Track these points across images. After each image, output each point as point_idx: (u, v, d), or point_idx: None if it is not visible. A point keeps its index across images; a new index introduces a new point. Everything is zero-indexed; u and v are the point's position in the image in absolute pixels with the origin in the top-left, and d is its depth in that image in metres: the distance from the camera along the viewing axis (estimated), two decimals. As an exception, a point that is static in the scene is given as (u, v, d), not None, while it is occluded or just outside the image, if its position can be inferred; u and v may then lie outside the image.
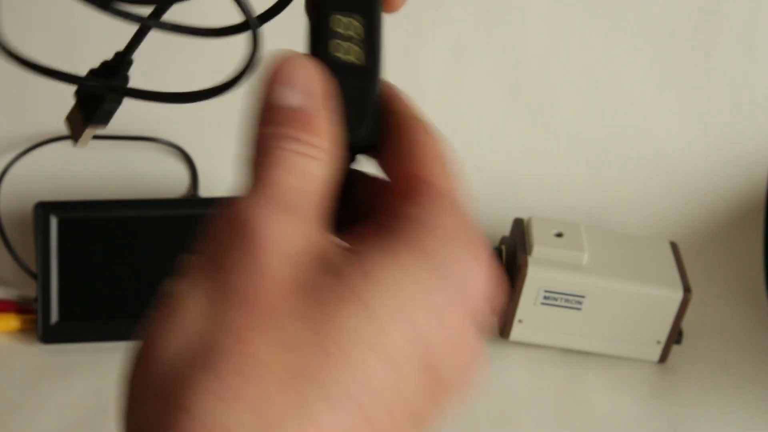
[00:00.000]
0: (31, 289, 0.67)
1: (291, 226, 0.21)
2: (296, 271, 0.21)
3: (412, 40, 0.76)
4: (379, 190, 0.26)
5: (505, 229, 0.70)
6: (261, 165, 0.23)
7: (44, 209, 0.66)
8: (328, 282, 0.21)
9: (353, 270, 0.21)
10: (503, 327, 0.67)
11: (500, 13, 0.76)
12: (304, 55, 0.26)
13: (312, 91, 0.24)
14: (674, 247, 0.69)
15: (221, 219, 0.22)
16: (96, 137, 0.39)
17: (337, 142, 0.24)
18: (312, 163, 0.23)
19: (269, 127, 0.24)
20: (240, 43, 0.81)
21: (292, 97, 0.24)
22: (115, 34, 0.75)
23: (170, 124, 0.77)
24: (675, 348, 0.68)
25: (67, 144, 0.74)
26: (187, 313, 0.20)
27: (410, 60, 0.77)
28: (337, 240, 0.23)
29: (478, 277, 0.23)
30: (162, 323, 0.21)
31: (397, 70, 0.86)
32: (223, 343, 0.19)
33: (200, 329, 0.20)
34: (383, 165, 0.26)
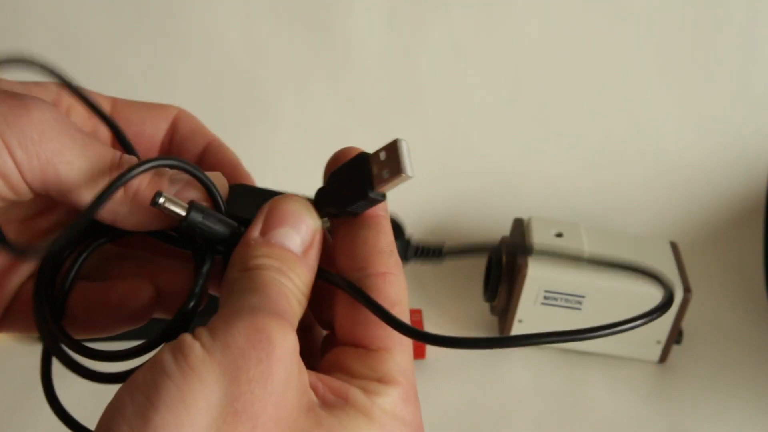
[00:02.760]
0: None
1: (297, 351, 0.24)
2: (295, 404, 0.24)
3: (412, 40, 0.76)
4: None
5: (505, 229, 0.70)
6: (268, 291, 0.25)
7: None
8: None
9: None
10: (503, 327, 0.67)
11: (500, 13, 0.76)
12: (307, 200, 0.28)
13: (311, 241, 0.27)
14: (674, 247, 0.69)
15: (245, 327, 0.23)
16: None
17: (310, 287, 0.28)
18: (299, 305, 0.26)
19: (270, 260, 0.26)
20: (236, 47, 0.81)
21: (294, 240, 0.27)
22: (114, 34, 0.75)
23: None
24: (675, 348, 0.68)
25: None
26: (198, 421, 0.22)
27: (410, 60, 0.77)
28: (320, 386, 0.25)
29: None
30: (172, 420, 0.21)
31: (397, 70, 0.86)
32: None
33: None
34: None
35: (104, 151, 0.28)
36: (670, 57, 0.78)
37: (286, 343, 0.23)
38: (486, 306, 0.71)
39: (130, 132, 0.32)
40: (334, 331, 0.28)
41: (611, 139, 0.80)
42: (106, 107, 0.32)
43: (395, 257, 0.27)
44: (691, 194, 0.80)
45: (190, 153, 0.33)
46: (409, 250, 0.34)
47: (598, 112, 0.80)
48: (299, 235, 0.27)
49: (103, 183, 0.27)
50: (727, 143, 0.80)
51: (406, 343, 0.27)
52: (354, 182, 0.28)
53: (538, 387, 0.65)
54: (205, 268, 0.28)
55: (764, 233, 0.79)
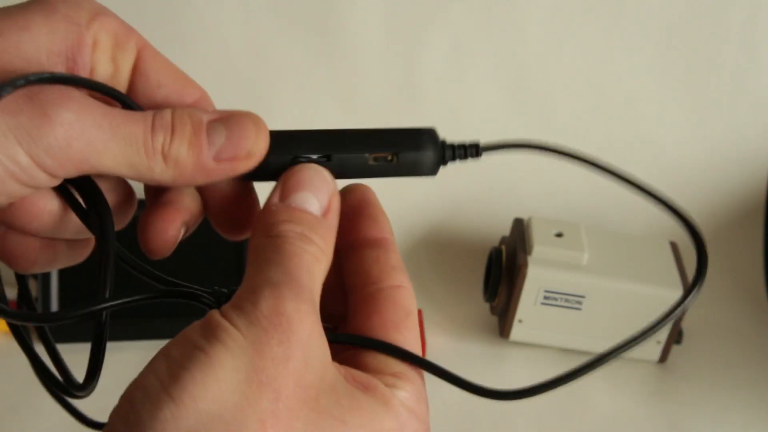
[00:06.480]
0: (31, 289, 0.67)
1: (318, 329, 0.25)
2: (315, 384, 0.25)
3: (412, 40, 0.76)
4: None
5: (505, 229, 0.70)
6: (289, 264, 0.26)
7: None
8: (331, 412, 0.25)
9: (351, 416, 0.25)
10: (503, 327, 0.67)
11: (500, 13, 0.76)
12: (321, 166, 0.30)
13: (329, 203, 0.29)
14: (674, 247, 0.69)
15: (267, 307, 0.25)
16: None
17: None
18: (322, 267, 0.27)
19: (292, 226, 0.27)
20: (236, 47, 0.81)
21: (313, 203, 0.28)
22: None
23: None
24: (675, 348, 0.68)
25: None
26: (225, 381, 0.23)
27: (410, 60, 0.77)
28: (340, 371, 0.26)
29: None
30: (199, 377, 0.23)
31: (397, 70, 0.86)
32: (249, 423, 0.23)
33: (235, 401, 0.23)
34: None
35: (135, 129, 0.28)
36: (670, 57, 0.78)
37: (305, 327, 0.25)
38: (486, 306, 0.71)
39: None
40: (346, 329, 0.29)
41: (611, 139, 0.80)
42: (132, 53, 0.33)
43: (405, 273, 0.30)
44: (691, 194, 0.80)
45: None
46: (446, 152, 0.35)
47: (598, 112, 0.79)
48: (318, 198, 0.28)
49: (140, 159, 0.28)
50: (727, 143, 0.80)
51: (419, 348, 0.29)
52: None
53: (538, 387, 0.65)
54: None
55: (764, 233, 0.79)
